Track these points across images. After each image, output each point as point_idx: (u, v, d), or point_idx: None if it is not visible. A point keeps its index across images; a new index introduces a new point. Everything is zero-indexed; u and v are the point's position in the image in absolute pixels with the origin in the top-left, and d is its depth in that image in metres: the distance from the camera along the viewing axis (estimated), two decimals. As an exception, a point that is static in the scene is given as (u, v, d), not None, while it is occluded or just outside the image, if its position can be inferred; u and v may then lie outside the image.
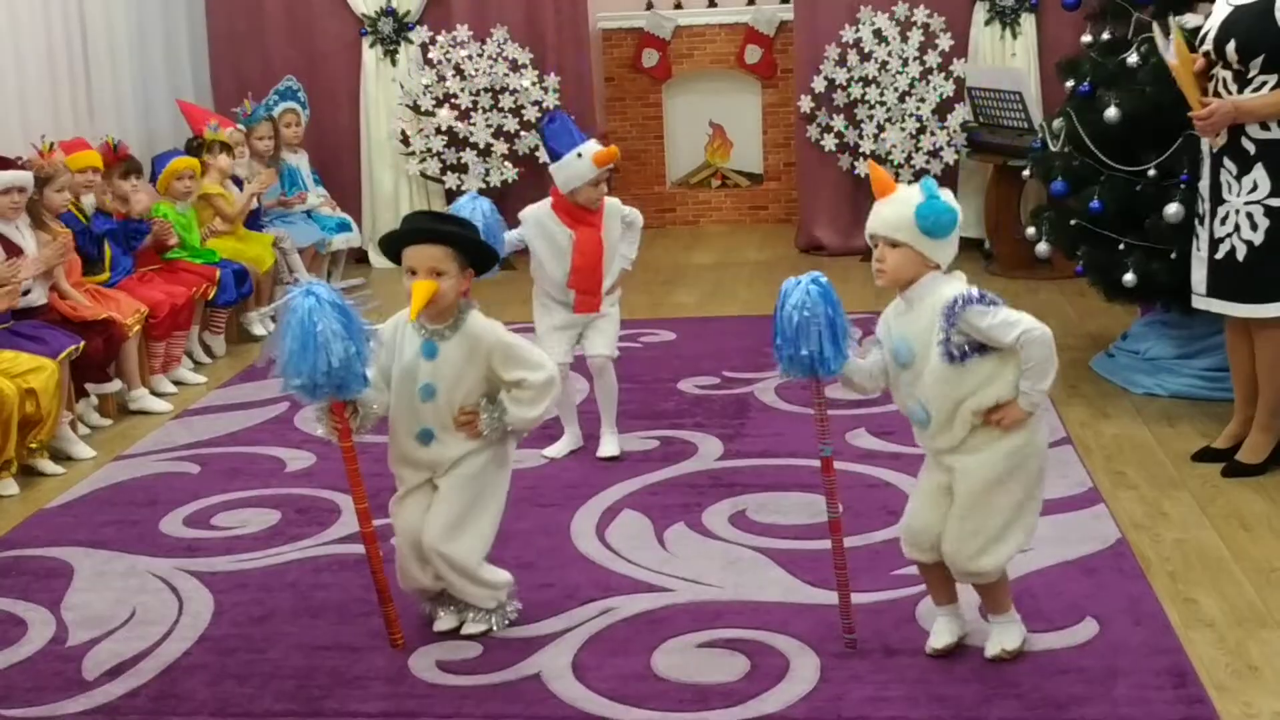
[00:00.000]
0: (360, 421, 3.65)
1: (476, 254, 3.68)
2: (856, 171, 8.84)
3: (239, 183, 7.78)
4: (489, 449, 3.75)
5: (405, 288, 3.62)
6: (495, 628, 3.84)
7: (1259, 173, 4.66)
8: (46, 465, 5.44)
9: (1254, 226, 4.69)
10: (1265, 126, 4.63)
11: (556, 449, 5.36)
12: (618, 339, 5.37)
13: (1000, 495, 3.43)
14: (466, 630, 3.84)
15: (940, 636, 3.61)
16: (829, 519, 3.61)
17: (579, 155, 5.03)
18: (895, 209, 3.40)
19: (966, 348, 3.35)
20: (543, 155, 8.85)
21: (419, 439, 3.71)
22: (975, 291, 3.35)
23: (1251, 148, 4.67)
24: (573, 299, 5.20)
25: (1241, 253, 4.73)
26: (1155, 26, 4.85)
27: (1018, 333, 3.31)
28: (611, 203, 5.24)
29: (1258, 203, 4.68)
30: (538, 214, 5.20)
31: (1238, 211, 4.73)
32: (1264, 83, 4.61)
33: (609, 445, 5.31)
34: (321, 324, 3.44)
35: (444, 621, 3.87)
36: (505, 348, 3.67)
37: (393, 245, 3.69)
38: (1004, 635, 3.57)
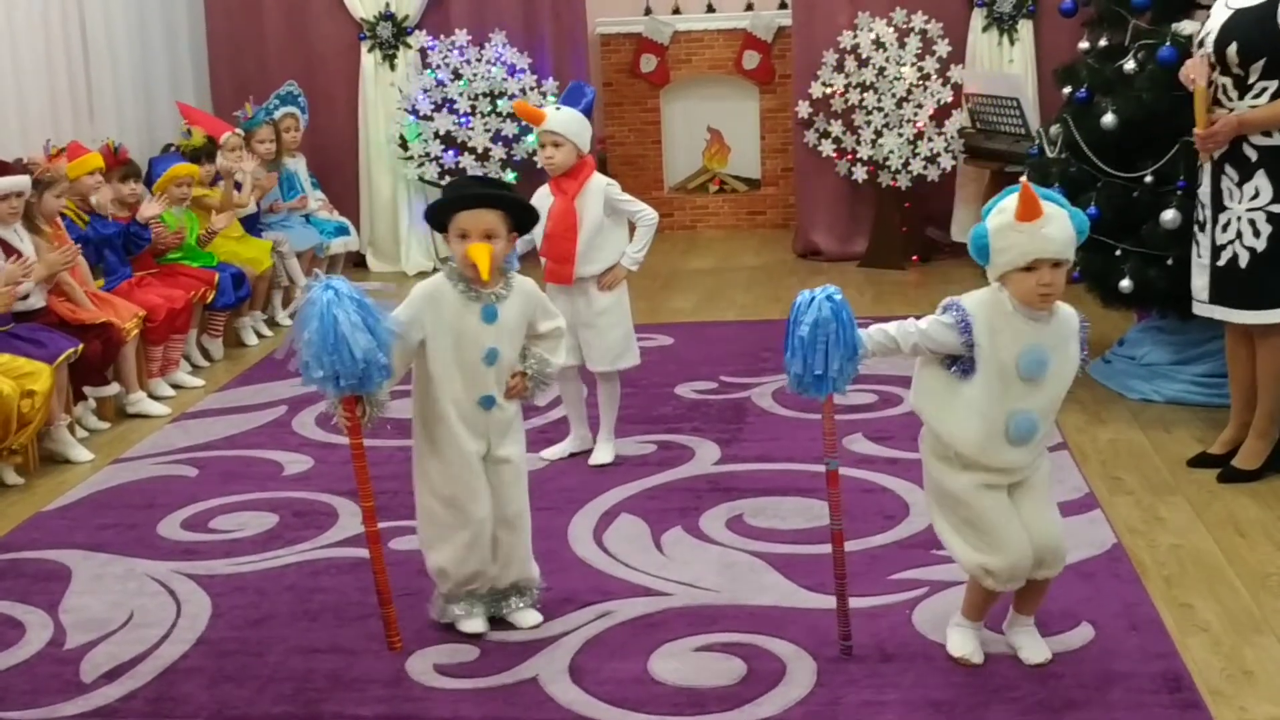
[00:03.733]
0: (369, 418, 3.65)
1: (524, 216, 3.78)
2: (853, 177, 8.85)
3: (237, 186, 7.78)
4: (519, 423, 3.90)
5: (455, 253, 3.69)
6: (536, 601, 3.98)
7: (1260, 180, 4.67)
8: (9, 475, 5.41)
9: (1256, 233, 4.70)
10: (1267, 134, 4.64)
11: (557, 450, 5.36)
12: (626, 351, 5.26)
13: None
14: (525, 621, 3.92)
15: (977, 651, 3.61)
16: (832, 530, 3.61)
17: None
18: (1064, 228, 3.29)
19: None
20: (540, 159, 8.89)
21: (481, 405, 3.76)
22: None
23: (1253, 155, 4.68)
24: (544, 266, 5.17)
25: (1244, 259, 4.74)
26: (1195, 48, 4.82)
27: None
28: (599, 180, 5.16)
29: (1260, 209, 4.69)
30: (544, 186, 5.25)
31: (1239, 218, 4.74)
32: (1264, 89, 4.61)
33: (603, 453, 5.31)
34: (342, 317, 3.46)
35: (474, 622, 3.87)
36: (542, 299, 3.86)
37: (444, 212, 3.73)
38: (1042, 641, 3.61)
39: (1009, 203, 3.32)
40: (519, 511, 3.88)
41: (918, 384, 3.51)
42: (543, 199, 5.14)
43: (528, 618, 3.92)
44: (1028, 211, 3.26)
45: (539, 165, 5.17)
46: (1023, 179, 3.39)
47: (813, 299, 3.37)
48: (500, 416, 3.79)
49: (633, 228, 5.26)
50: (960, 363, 3.39)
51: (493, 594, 3.92)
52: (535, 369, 3.80)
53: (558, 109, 5.10)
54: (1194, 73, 4.74)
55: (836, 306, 3.35)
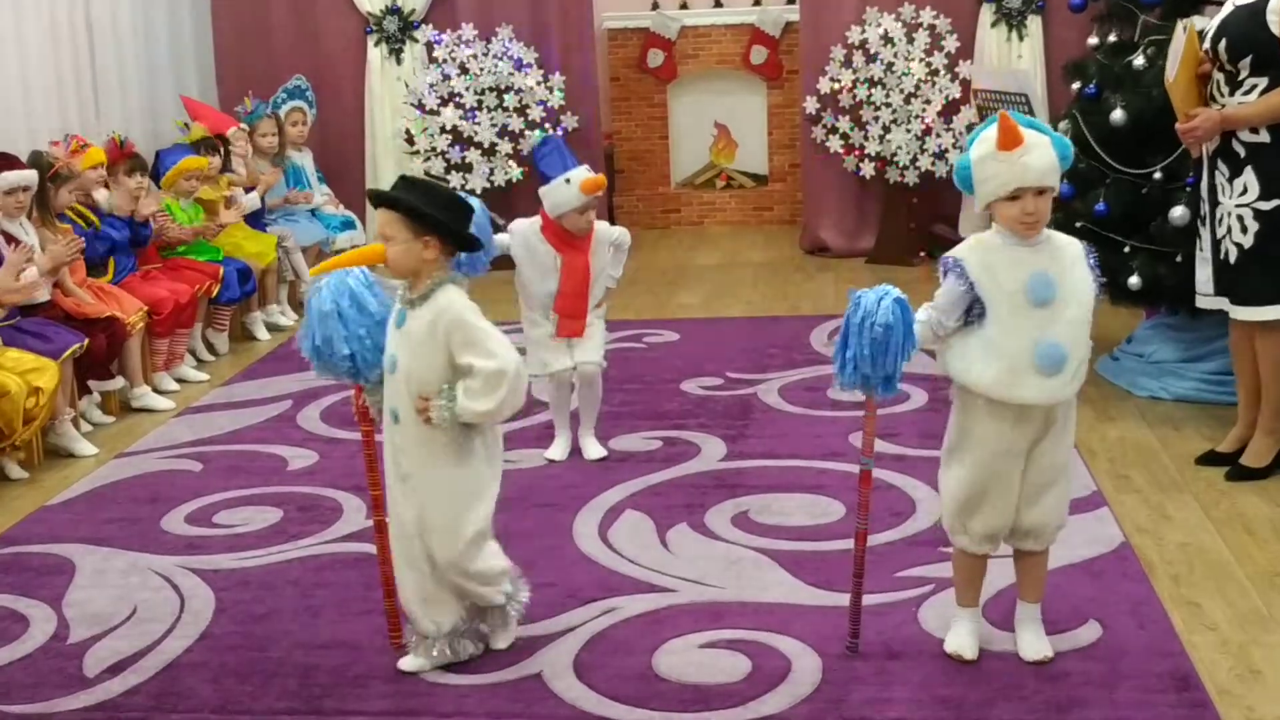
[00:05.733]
0: (376, 406, 3.64)
1: (433, 225, 3.44)
2: (860, 173, 8.83)
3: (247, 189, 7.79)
4: (452, 448, 3.50)
5: None
6: (514, 614, 3.74)
7: (1249, 176, 4.66)
8: (13, 469, 5.41)
9: (1244, 230, 4.70)
10: (1254, 130, 4.63)
11: (556, 450, 5.35)
12: (604, 347, 5.32)
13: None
14: (498, 646, 3.74)
15: (968, 645, 3.59)
16: (857, 530, 3.61)
17: (567, 181, 4.99)
18: (1044, 155, 3.31)
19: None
20: (579, 223, 8.87)
21: (391, 416, 3.54)
22: None
23: (1241, 151, 4.68)
24: (554, 325, 5.17)
25: (1234, 256, 4.73)
26: (1183, 26, 4.82)
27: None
28: (601, 228, 5.19)
29: (1247, 206, 4.67)
30: (525, 232, 5.15)
31: (1230, 214, 4.73)
32: (1254, 86, 4.61)
33: (594, 449, 5.31)
34: (343, 305, 3.46)
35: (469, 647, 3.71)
36: (464, 327, 3.42)
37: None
38: (1044, 637, 3.59)
39: (990, 132, 3.35)
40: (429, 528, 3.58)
41: (943, 351, 3.49)
42: (531, 245, 5.12)
43: (500, 639, 3.76)
44: (1008, 140, 3.30)
45: (572, 228, 5.09)
46: (1000, 113, 3.40)
47: (880, 300, 3.33)
48: (405, 434, 3.51)
49: None
50: (971, 312, 3.40)
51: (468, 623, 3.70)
52: (442, 399, 3.42)
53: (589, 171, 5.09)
54: (1168, 67, 4.76)
55: (903, 308, 3.34)
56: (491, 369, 3.37)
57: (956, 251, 3.42)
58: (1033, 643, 3.58)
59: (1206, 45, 4.73)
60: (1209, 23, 4.87)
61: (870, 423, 3.53)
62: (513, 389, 3.40)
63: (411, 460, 3.52)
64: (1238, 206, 4.70)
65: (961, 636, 3.61)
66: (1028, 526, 3.51)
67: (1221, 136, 4.70)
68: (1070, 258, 3.41)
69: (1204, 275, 4.94)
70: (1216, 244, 4.82)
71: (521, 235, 5.15)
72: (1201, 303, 5.00)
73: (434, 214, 3.43)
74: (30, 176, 5.78)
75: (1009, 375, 3.35)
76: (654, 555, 4.36)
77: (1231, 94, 4.68)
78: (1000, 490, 3.47)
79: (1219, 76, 4.71)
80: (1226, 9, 4.73)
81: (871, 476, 3.59)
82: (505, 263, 5.08)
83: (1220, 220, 4.78)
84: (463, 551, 3.54)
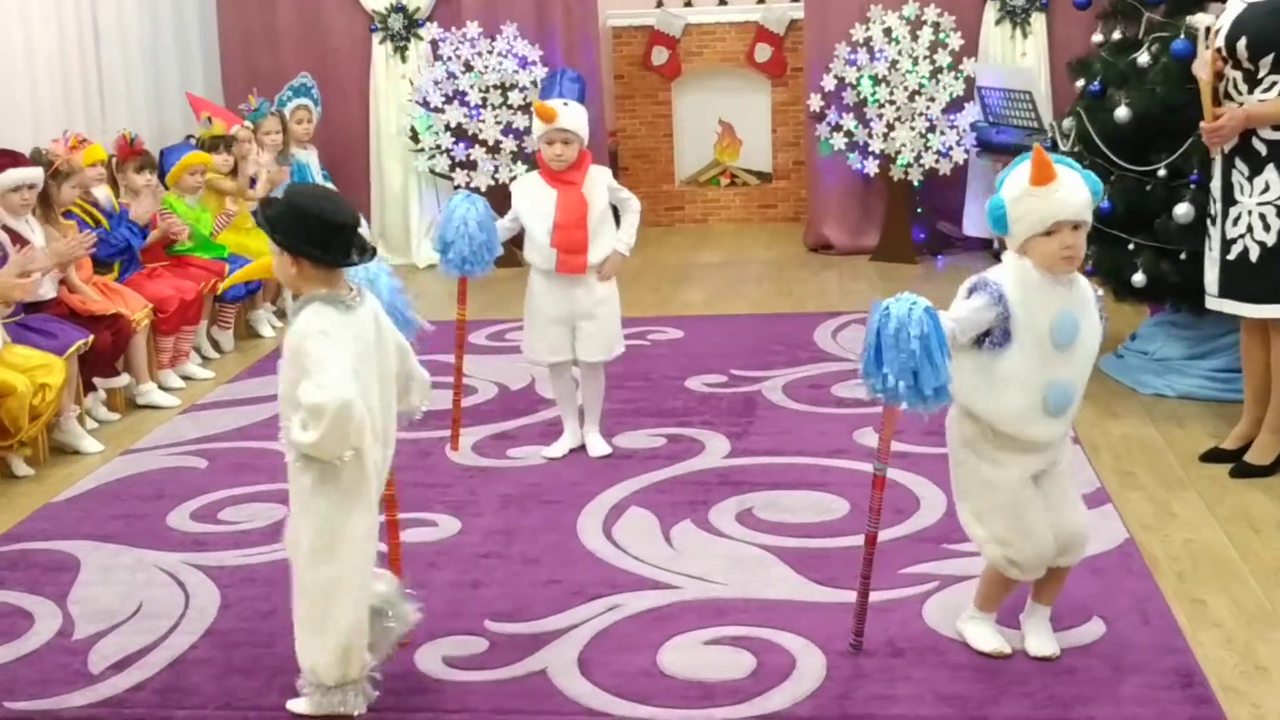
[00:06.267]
0: None
1: (278, 243, 3.29)
2: (865, 171, 8.83)
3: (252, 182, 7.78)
4: (310, 480, 3.28)
5: None
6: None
7: (1270, 173, 4.66)
8: (19, 466, 5.42)
9: (1266, 227, 4.69)
10: (1277, 127, 4.63)
11: (556, 448, 5.34)
12: (618, 339, 5.28)
13: None
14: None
15: (1004, 641, 3.60)
16: (867, 532, 3.60)
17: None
18: (1078, 189, 3.31)
19: None
20: (548, 156, 8.87)
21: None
22: None
23: (1263, 149, 4.67)
24: (555, 262, 5.11)
25: (1255, 253, 4.72)
26: (1200, 31, 4.81)
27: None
28: (598, 169, 5.19)
29: (1270, 203, 4.67)
30: (527, 177, 5.26)
31: (1250, 212, 4.72)
32: (1274, 83, 4.60)
33: (598, 445, 5.31)
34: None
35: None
36: (302, 354, 3.18)
37: None
38: (1053, 635, 3.60)
39: (1022, 169, 3.33)
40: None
41: (952, 369, 3.42)
42: (530, 190, 5.15)
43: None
44: (1042, 175, 3.28)
45: (546, 161, 5.09)
46: (1035, 144, 3.39)
47: (910, 311, 3.24)
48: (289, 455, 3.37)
49: (617, 216, 5.27)
50: (990, 337, 3.36)
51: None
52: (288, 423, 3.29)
53: (565, 104, 5.07)
54: (1199, 67, 4.73)
55: (935, 318, 3.26)
56: (311, 402, 3.10)
57: (993, 276, 3.37)
58: (1042, 640, 3.58)
59: (1220, 44, 4.72)
60: (1215, 21, 4.87)
61: (888, 429, 3.48)
62: (333, 426, 3.09)
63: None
64: (1259, 205, 4.69)
65: (995, 635, 3.62)
66: (1065, 539, 3.48)
67: (1241, 135, 4.69)
68: (1087, 301, 3.43)
69: (1211, 277, 4.93)
70: (1227, 244, 4.81)
71: (523, 181, 5.24)
72: (1209, 304, 4.98)
73: (270, 230, 3.29)
74: (35, 174, 5.77)
75: (1025, 410, 3.37)
76: (658, 552, 4.36)
77: (1250, 92, 4.67)
78: (1030, 512, 3.45)
79: (1235, 75, 4.70)
80: (1235, 7, 4.71)
81: (884, 482, 3.57)
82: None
83: (1236, 220, 4.77)
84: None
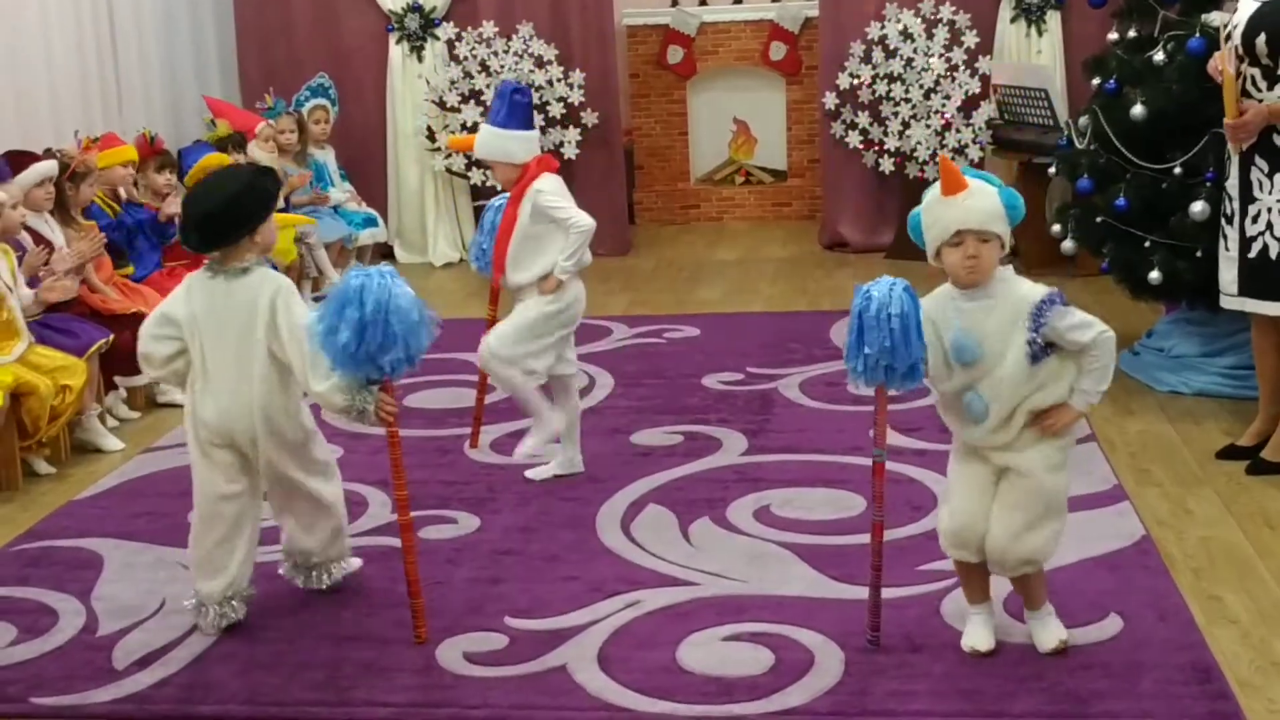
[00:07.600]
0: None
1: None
2: (880, 169, 8.84)
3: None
4: None
5: None
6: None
7: None
8: (41, 464, 5.46)
9: None
10: None
11: (542, 471, 5.10)
12: (504, 341, 4.93)
13: (1056, 483, 3.49)
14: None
15: (982, 638, 3.61)
16: (874, 521, 3.63)
17: None
18: (985, 201, 3.36)
19: (1044, 348, 3.38)
20: (567, 150, 8.93)
21: None
22: (1057, 291, 3.39)
23: None
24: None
25: (1274, 250, 4.72)
26: (1220, 32, 4.81)
27: (1094, 333, 3.36)
28: (538, 185, 4.93)
29: None
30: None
31: (1270, 209, 4.72)
32: (1293, 80, 4.60)
33: (525, 447, 5.07)
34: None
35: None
36: None
37: None
38: (1053, 627, 3.59)
39: (937, 183, 3.41)
40: None
41: None
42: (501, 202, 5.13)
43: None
44: (950, 185, 3.36)
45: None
46: (941, 154, 3.45)
47: (890, 291, 3.34)
48: None
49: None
50: None
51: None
52: None
53: (489, 130, 4.98)
54: (1223, 63, 4.73)
55: (912, 297, 3.36)
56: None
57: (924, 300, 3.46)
58: (1046, 637, 3.60)
59: (1237, 41, 4.71)
60: (1227, 19, 4.87)
61: (882, 413, 3.54)
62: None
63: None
64: (1279, 202, 4.70)
65: (973, 632, 3.64)
66: (989, 547, 3.50)
67: (1260, 132, 4.69)
68: (1010, 318, 3.38)
69: (1229, 277, 4.92)
70: (1247, 242, 4.81)
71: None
72: (1226, 303, 4.98)
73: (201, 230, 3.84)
74: (51, 167, 5.84)
75: (945, 413, 3.58)
76: (677, 549, 4.39)
77: (1270, 88, 4.66)
78: (962, 487, 3.56)
79: (1254, 72, 4.69)
80: (1250, 4, 4.71)
81: (885, 468, 3.60)
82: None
83: (1255, 217, 4.77)
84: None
